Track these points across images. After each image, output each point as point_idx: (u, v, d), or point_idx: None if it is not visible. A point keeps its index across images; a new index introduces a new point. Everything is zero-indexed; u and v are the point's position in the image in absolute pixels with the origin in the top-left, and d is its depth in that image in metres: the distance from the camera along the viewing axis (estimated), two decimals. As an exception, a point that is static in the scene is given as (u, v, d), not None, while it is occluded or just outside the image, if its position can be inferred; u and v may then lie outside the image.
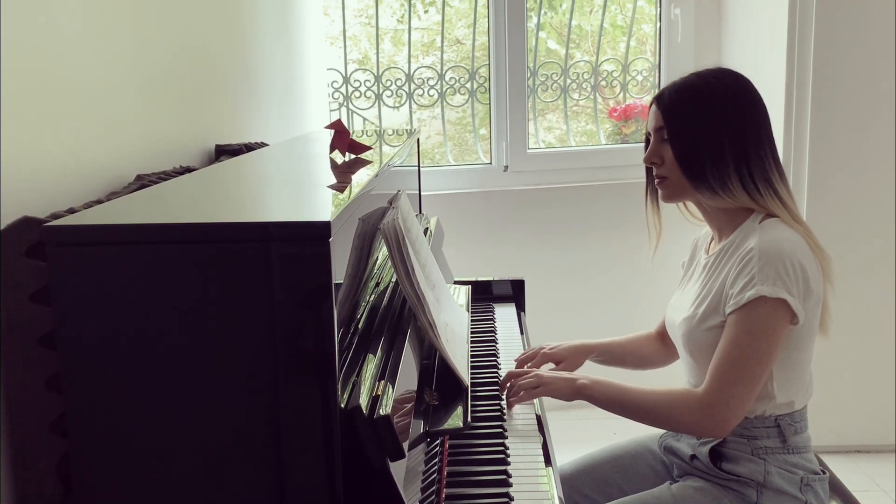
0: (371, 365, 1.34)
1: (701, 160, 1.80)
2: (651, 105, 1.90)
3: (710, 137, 1.79)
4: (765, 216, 1.80)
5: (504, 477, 1.57)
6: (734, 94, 1.82)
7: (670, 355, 2.14)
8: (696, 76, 1.86)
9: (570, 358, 2.15)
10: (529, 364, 2.11)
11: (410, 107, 4.07)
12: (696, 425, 1.76)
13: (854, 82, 3.28)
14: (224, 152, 2.06)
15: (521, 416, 1.86)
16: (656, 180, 1.90)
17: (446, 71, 4.05)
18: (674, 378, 2.07)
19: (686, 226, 2.05)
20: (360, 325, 1.49)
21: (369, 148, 1.88)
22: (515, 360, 2.15)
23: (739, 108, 1.81)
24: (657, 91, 1.91)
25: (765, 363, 1.70)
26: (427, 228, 2.38)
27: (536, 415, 1.86)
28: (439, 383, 1.68)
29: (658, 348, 2.17)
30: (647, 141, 1.93)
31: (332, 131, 1.87)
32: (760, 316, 1.69)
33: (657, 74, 4.06)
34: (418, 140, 2.81)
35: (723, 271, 1.80)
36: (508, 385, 1.91)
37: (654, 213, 2.01)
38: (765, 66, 3.46)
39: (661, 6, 3.99)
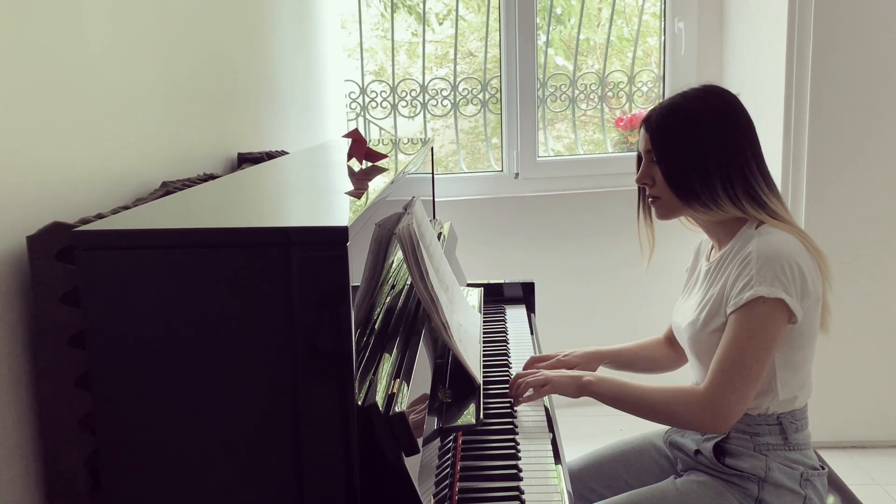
0: (387, 364, 1.34)
1: (689, 180, 1.80)
2: (640, 127, 1.90)
3: (695, 158, 1.80)
4: (759, 223, 1.80)
5: (515, 471, 1.56)
6: (717, 114, 1.82)
7: (680, 358, 2.12)
8: (681, 97, 1.86)
9: (583, 364, 2.10)
10: (539, 365, 2.10)
11: (425, 116, 4.06)
12: (698, 421, 1.75)
13: (851, 92, 3.27)
14: (246, 160, 2.06)
15: (531, 413, 1.85)
16: (650, 199, 1.91)
17: (459, 82, 4.04)
18: (680, 377, 2.06)
19: (686, 231, 2.04)
20: (376, 326, 1.49)
21: (385, 156, 1.88)
22: (531, 359, 2.12)
23: (722, 127, 1.81)
24: (652, 108, 1.90)
25: (763, 361, 1.70)
26: (441, 233, 2.37)
27: (546, 412, 1.85)
28: (452, 381, 1.67)
29: (668, 352, 2.15)
30: (639, 160, 1.93)
31: (350, 140, 1.87)
32: (759, 315, 1.69)
33: (661, 85, 4.05)
34: (432, 148, 2.80)
35: (723, 276, 1.79)
36: (517, 384, 1.90)
37: (647, 227, 2.01)
38: (764, 76, 3.45)
39: (665, 20, 3.98)
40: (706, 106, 1.83)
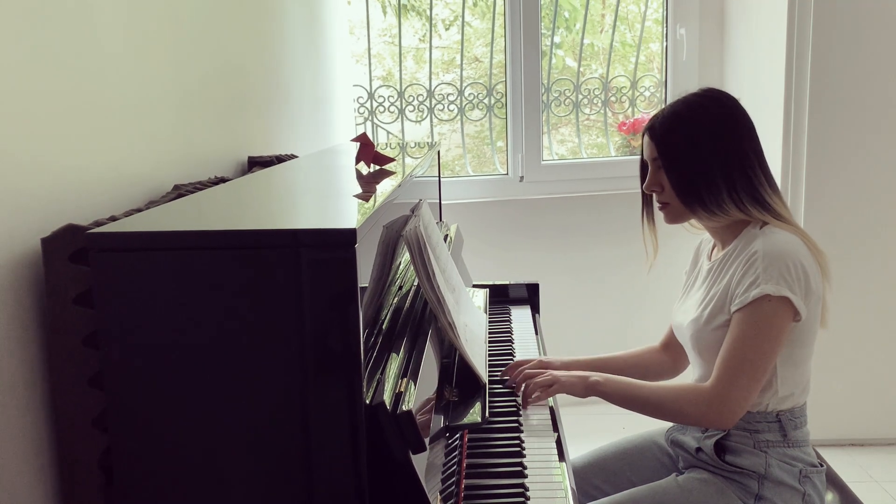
0: (394, 364, 1.34)
1: (697, 187, 1.80)
2: (644, 135, 1.89)
3: (700, 165, 1.80)
4: (763, 223, 1.79)
5: (520, 469, 1.55)
6: (719, 120, 1.81)
7: (677, 367, 2.11)
8: (683, 104, 1.85)
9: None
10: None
11: (431, 121, 4.06)
12: (703, 417, 1.75)
13: (849, 96, 3.27)
14: (256, 164, 2.06)
15: (535, 412, 1.85)
16: (658, 205, 1.90)
17: (465, 87, 4.04)
18: (682, 375, 2.05)
19: (687, 233, 2.04)
20: (384, 326, 1.48)
21: (392, 160, 1.87)
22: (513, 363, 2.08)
23: (724, 134, 1.80)
24: (654, 115, 1.90)
25: (769, 358, 1.70)
26: (447, 235, 2.37)
27: (550, 410, 1.85)
28: (459, 381, 1.67)
29: (663, 360, 2.12)
30: (643, 166, 1.92)
31: (358, 144, 1.86)
32: (765, 313, 1.69)
33: (663, 90, 4.05)
34: (439, 152, 2.80)
35: (727, 274, 1.79)
36: (525, 384, 1.89)
37: (651, 231, 2.01)
38: (764, 81, 3.45)
39: (667, 26, 3.97)
40: (708, 113, 1.82)
